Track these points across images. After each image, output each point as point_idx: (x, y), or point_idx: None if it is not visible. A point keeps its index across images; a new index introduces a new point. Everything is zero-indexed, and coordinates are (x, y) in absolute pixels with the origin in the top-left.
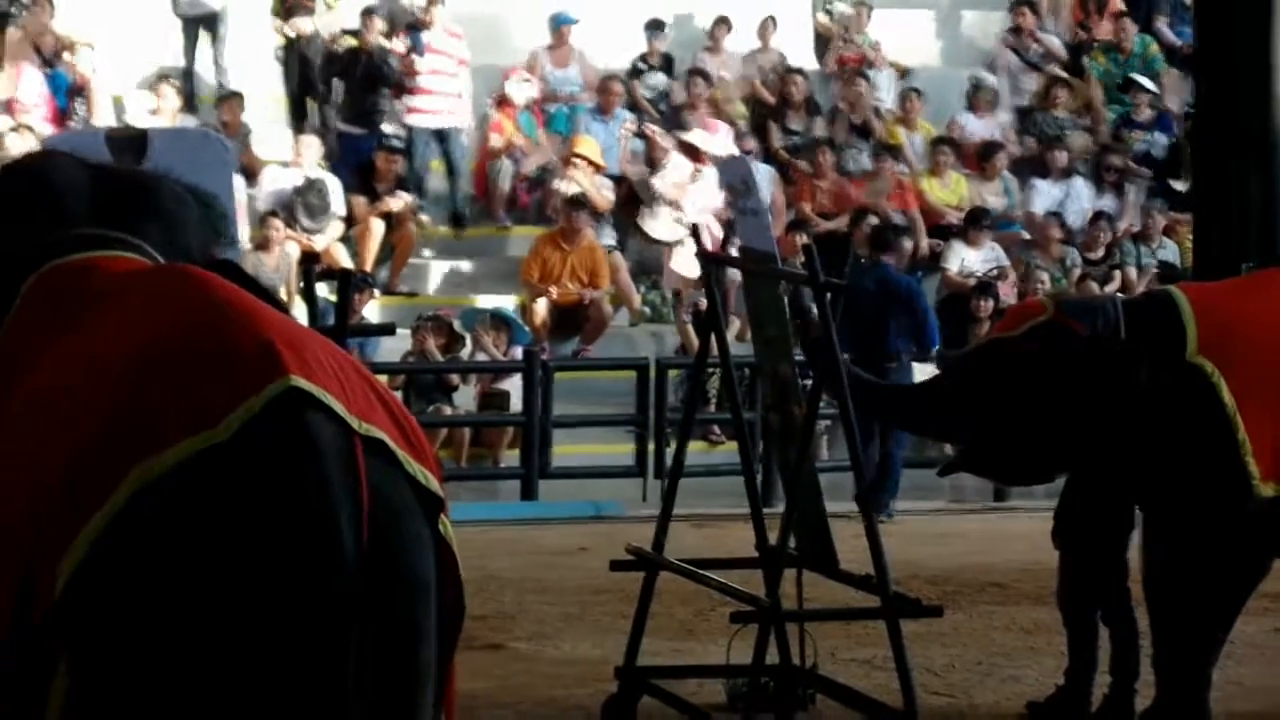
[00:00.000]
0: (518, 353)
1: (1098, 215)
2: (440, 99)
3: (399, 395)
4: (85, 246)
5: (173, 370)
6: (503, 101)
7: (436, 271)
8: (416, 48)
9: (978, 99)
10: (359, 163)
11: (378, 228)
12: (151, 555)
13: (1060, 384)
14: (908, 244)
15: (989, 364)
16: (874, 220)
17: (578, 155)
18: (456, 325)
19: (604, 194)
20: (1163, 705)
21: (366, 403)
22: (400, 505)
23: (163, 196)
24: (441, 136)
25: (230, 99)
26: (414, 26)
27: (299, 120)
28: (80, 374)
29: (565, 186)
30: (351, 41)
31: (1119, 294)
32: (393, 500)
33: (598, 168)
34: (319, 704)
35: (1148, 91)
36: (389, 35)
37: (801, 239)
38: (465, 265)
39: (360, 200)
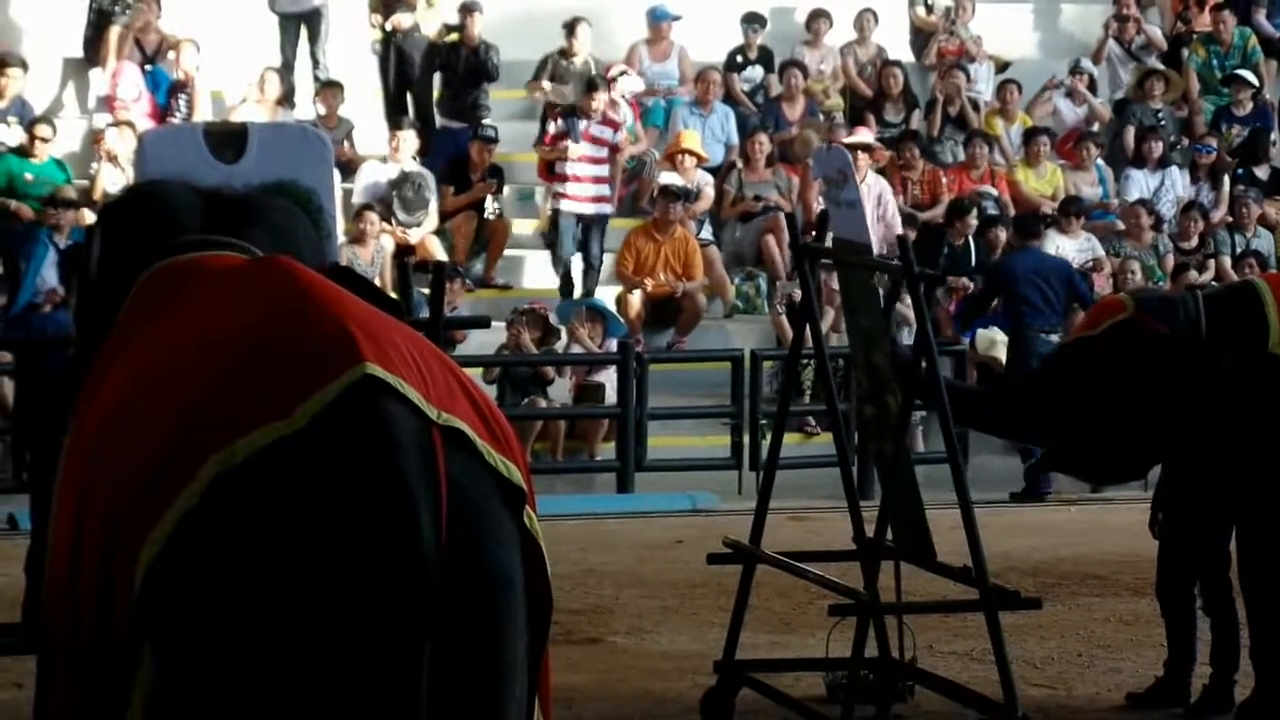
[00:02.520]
0: (612, 345)
1: (1189, 205)
2: (588, 185)
3: (493, 388)
4: (192, 249)
5: (252, 359)
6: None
7: (531, 264)
8: (571, 134)
9: (1076, 85)
10: (454, 156)
11: (472, 221)
12: (226, 547)
13: (1143, 382)
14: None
15: (1071, 364)
16: (973, 211)
17: (684, 150)
18: (552, 319)
19: (707, 191)
20: (1261, 697)
21: (448, 393)
22: (480, 496)
23: (270, 210)
24: (586, 224)
25: (328, 89)
26: (572, 113)
27: (396, 114)
28: (167, 364)
29: (673, 180)
30: (453, 36)
31: (1199, 287)
32: (472, 491)
33: (700, 160)
34: (395, 694)
35: (1250, 85)
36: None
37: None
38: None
39: (452, 191)
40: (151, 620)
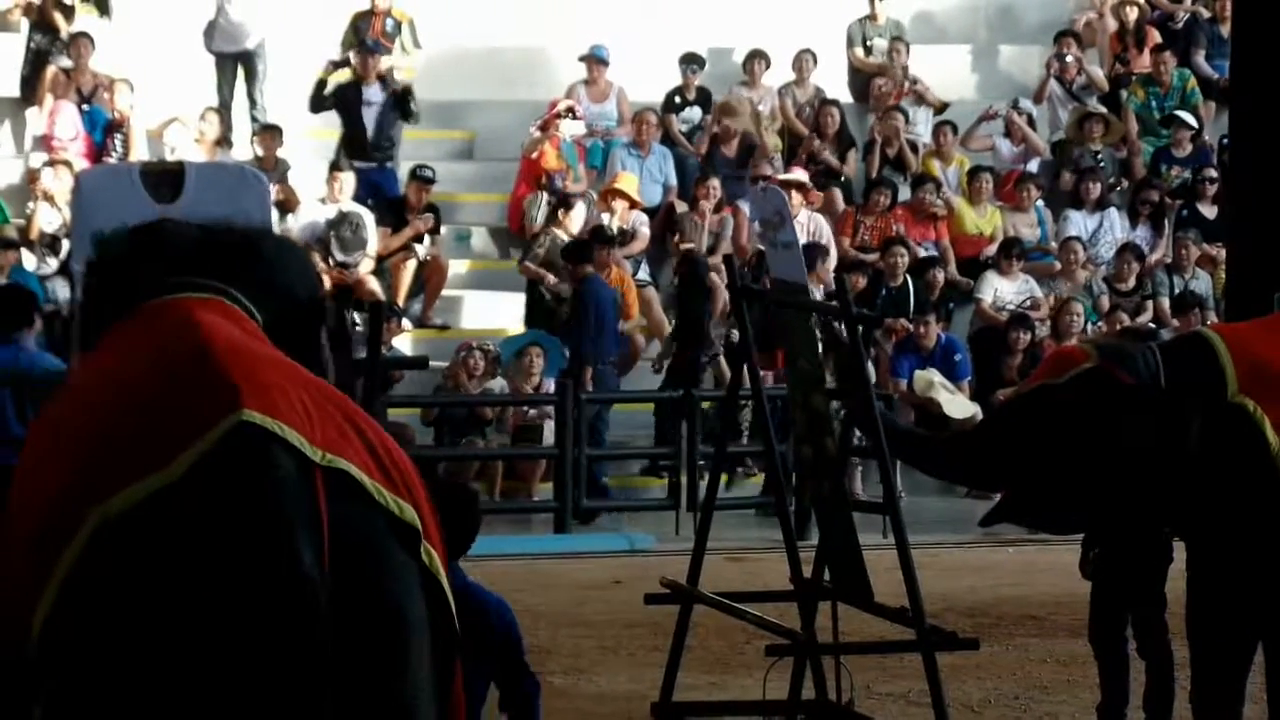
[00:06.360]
0: (550, 385)
1: (1124, 247)
2: None
3: (431, 429)
4: (173, 292)
5: (136, 410)
6: (547, 128)
7: (469, 304)
8: None
9: (1012, 117)
10: (377, 197)
11: (410, 261)
12: (107, 603)
13: (1111, 433)
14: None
15: (1033, 413)
16: (903, 252)
17: (616, 192)
18: (497, 350)
19: (643, 231)
20: None
21: (338, 435)
22: (369, 534)
23: (263, 246)
24: None
25: (266, 131)
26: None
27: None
28: (76, 415)
29: (608, 221)
30: (345, 76)
31: (1151, 327)
32: (361, 530)
33: (634, 204)
34: None
35: (1189, 127)
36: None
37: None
38: (498, 297)
39: (386, 232)
40: (44, 681)
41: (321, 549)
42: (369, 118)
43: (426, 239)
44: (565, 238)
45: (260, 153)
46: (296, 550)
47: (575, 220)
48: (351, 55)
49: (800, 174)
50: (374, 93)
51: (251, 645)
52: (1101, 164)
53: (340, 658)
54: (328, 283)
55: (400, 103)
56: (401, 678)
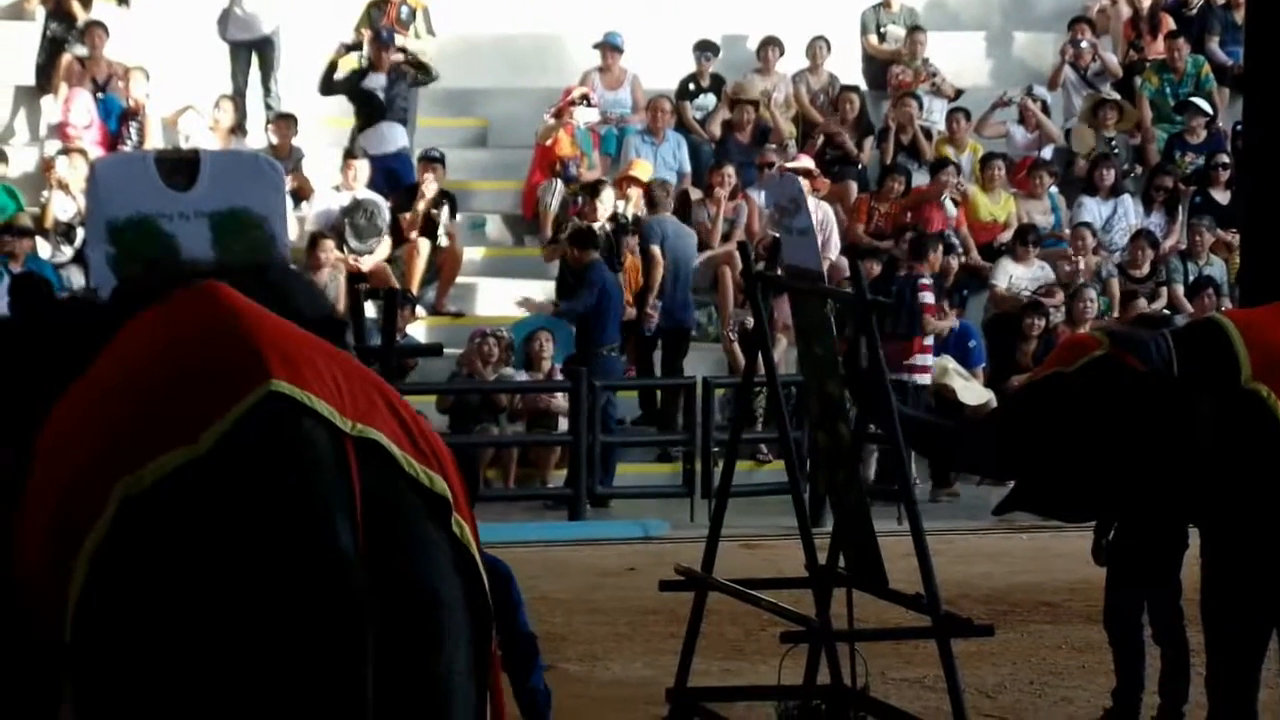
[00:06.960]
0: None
1: (1138, 234)
2: None
3: (446, 417)
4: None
5: (165, 384)
6: (561, 115)
7: (484, 291)
8: None
9: (1026, 103)
10: (392, 184)
11: (424, 247)
12: (140, 579)
13: (1123, 420)
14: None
15: (1045, 401)
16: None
17: (631, 179)
18: (511, 337)
19: None
20: None
21: (368, 407)
22: (399, 506)
23: (270, 269)
24: None
25: (281, 120)
26: None
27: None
28: (93, 403)
29: (622, 209)
30: (356, 63)
31: (1165, 314)
32: (391, 501)
33: (646, 189)
34: (335, 703)
35: (1203, 113)
36: None
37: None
38: (512, 285)
39: (402, 219)
40: (74, 667)
41: (356, 524)
42: (380, 97)
43: (442, 226)
44: (596, 225)
45: (275, 141)
46: (334, 527)
47: (604, 206)
48: (365, 42)
49: (807, 161)
50: (381, 79)
51: (291, 625)
52: (1115, 151)
53: (376, 635)
54: (343, 271)
55: (417, 68)
56: (438, 655)
